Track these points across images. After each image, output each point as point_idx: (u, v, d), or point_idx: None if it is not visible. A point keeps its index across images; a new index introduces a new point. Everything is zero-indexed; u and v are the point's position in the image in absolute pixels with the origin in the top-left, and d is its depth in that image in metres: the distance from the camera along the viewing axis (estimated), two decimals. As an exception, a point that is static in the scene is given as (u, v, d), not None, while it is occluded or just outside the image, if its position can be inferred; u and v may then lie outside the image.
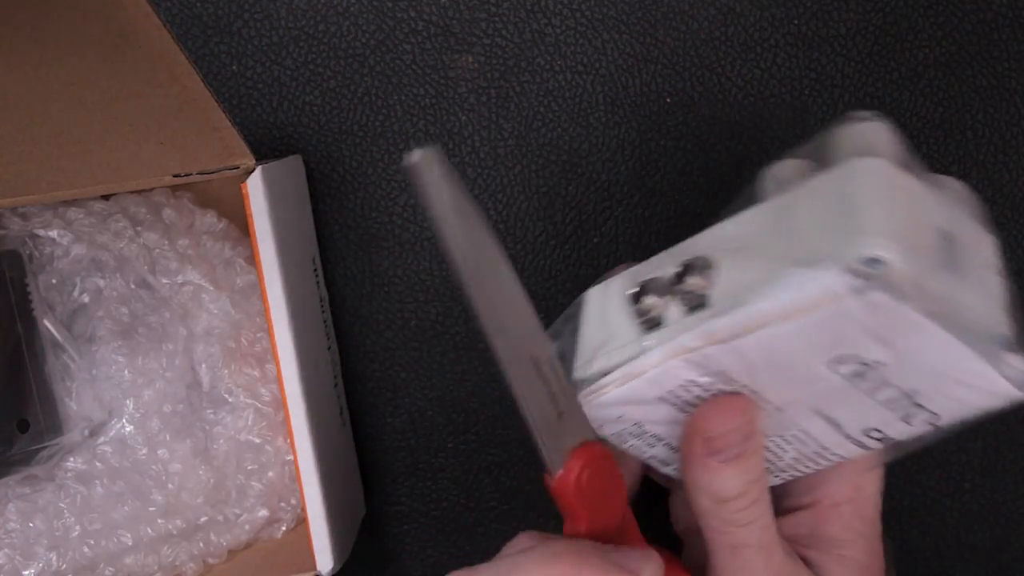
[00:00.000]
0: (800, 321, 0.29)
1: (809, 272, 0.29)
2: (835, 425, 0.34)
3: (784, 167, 0.33)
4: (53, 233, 0.47)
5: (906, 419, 0.33)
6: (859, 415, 0.33)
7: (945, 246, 0.30)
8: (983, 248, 0.32)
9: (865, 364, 0.31)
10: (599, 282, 0.36)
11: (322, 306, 0.51)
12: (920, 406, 0.32)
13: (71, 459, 0.47)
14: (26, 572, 0.46)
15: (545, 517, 0.53)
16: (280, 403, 0.49)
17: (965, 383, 0.31)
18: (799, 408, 0.34)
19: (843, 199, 0.29)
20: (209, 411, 0.49)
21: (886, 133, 0.32)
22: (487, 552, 0.35)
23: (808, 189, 0.31)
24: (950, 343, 0.29)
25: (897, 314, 0.28)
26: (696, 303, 0.32)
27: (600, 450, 0.33)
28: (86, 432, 0.47)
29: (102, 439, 0.48)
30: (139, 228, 0.48)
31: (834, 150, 0.32)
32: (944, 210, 0.31)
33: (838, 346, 0.30)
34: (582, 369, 0.34)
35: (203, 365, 0.48)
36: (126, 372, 0.47)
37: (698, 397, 0.34)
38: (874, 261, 0.28)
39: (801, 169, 0.33)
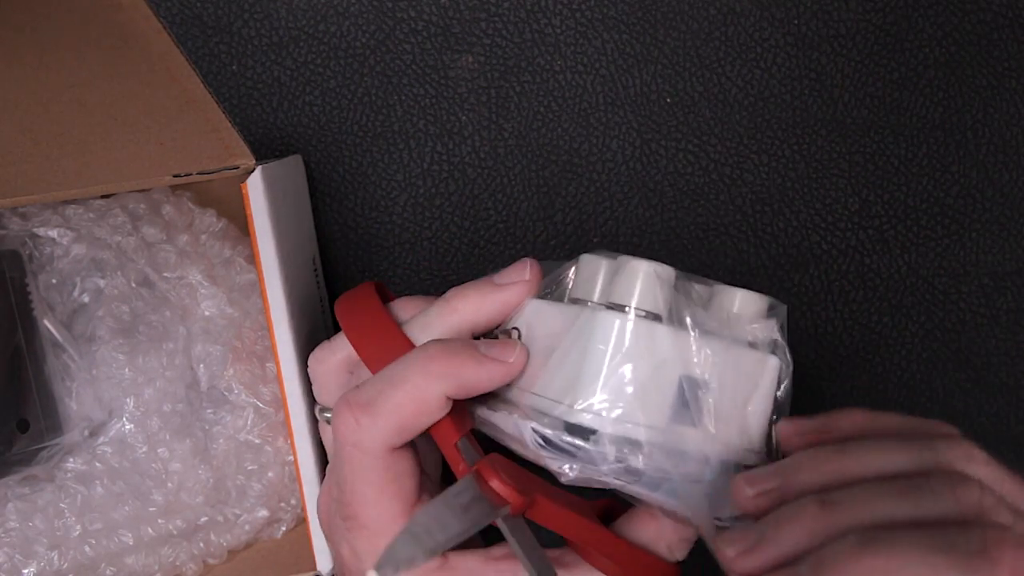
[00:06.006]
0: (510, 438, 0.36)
1: (518, 423, 0.34)
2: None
3: (590, 263, 0.36)
4: (53, 233, 0.47)
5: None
6: None
7: (689, 395, 0.34)
8: (750, 377, 0.35)
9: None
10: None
11: (322, 306, 0.51)
12: None
13: (71, 459, 0.47)
14: (26, 571, 0.47)
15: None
16: (280, 403, 0.49)
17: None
18: None
19: (585, 353, 0.33)
20: (209, 411, 0.49)
21: (660, 277, 0.35)
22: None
23: (575, 323, 0.35)
24: (652, 497, 0.34)
25: (599, 481, 0.34)
26: None
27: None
28: (86, 432, 0.47)
29: (102, 439, 0.48)
30: (138, 223, 0.48)
31: (600, 282, 0.36)
32: (700, 354, 0.34)
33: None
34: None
35: (202, 365, 0.48)
36: (126, 370, 0.47)
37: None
38: (584, 431, 0.33)
39: (602, 270, 0.36)
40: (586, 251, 0.52)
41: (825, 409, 0.56)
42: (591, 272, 0.36)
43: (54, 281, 0.47)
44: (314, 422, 0.45)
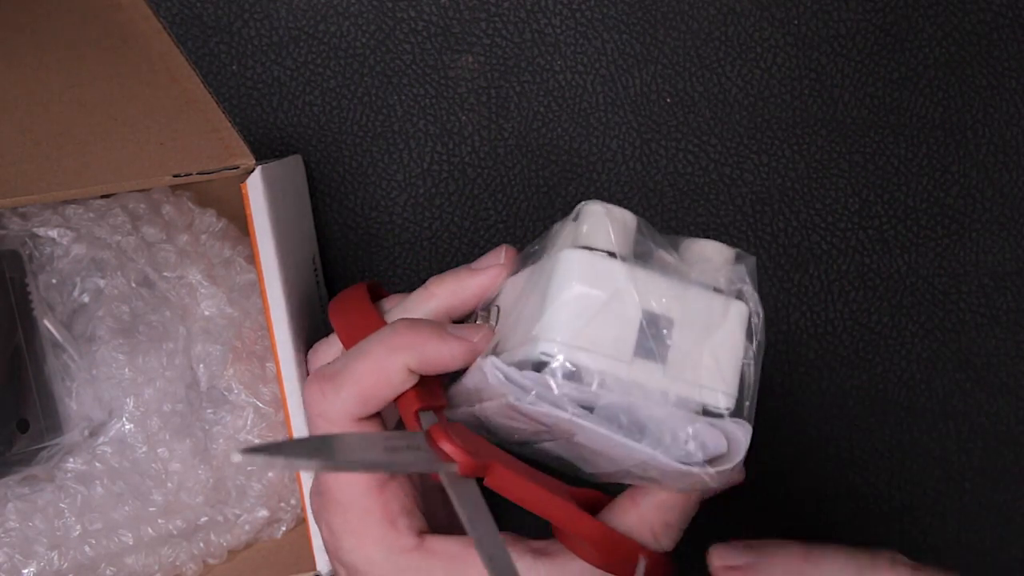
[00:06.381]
0: (485, 405, 0.36)
1: (479, 364, 0.34)
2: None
3: (555, 227, 0.37)
4: (53, 233, 0.47)
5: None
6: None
7: (649, 331, 0.34)
8: (715, 317, 0.35)
9: (561, 437, 0.35)
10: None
11: (322, 306, 0.51)
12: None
13: (71, 459, 0.47)
14: (26, 571, 0.47)
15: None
16: (280, 403, 0.49)
17: (639, 465, 0.35)
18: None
19: (543, 292, 0.34)
20: (209, 410, 0.49)
21: (618, 221, 0.35)
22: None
23: (535, 271, 0.35)
24: (614, 439, 0.33)
25: (556, 415, 0.33)
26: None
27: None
28: (86, 432, 0.47)
29: (102, 439, 0.48)
30: (138, 223, 0.48)
31: (562, 234, 0.36)
32: (661, 292, 0.34)
33: (525, 424, 0.35)
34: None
35: (202, 365, 0.48)
36: (126, 370, 0.47)
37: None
38: (532, 365, 0.33)
39: (565, 227, 0.36)
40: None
41: (826, 408, 0.56)
42: (555, 232, 0.36)
43: (54, 281, 0.47)
44: (314, 422, 0.45)
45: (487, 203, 0.52)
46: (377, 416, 0.37)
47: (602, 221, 0.34)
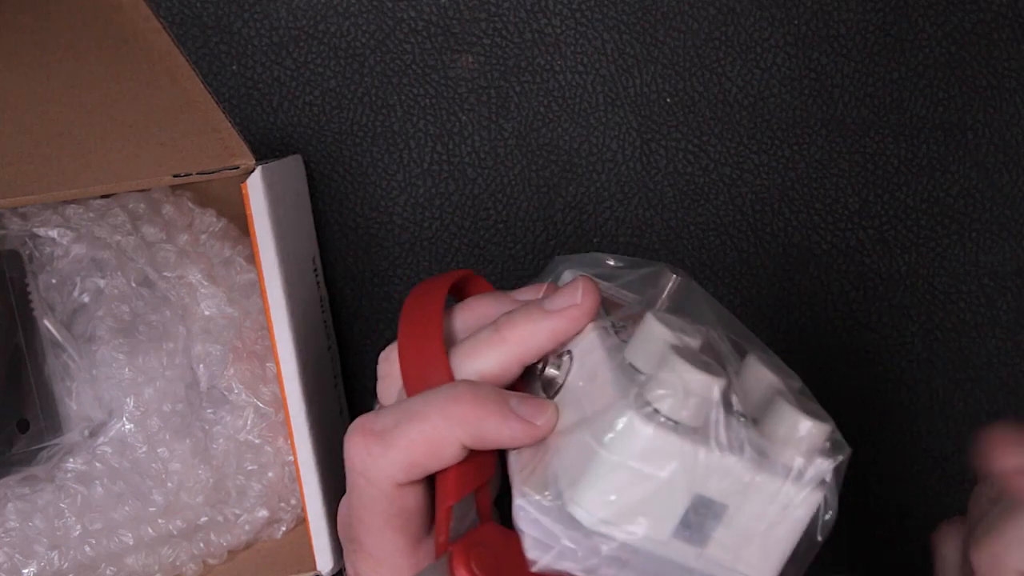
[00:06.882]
0: None
1: (516, 500, 0.32)
2: None
3: (660, 323, 0.34)
4: (53, 233, 0.47)
5: None
6: None
7: (695, 517, 0.32)
8: (777, 509, 0.33)
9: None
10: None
11: (322, 306, 0.51)
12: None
13: (71, 459, 0.47)
14: (26, 571, 0.47)
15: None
16: (280, 403, 0.49)
17: None
18: None
19: (591, 445, 0.31)
20: (209, 410, 0.49)
21: (700, 384, 0.33)
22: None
23: (604, 412, 0.33)
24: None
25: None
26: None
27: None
28: (86, 432, 0.47)
29: (102, 439, 0.48)
30: (138, 223, 0.48)
31: (653, 335, 0.34)
32: (722, 474, 0.32)
33: None
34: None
35: (202, 365, 0.48)
36: (126, 370, 0.47)
37: None
38: (568, 517, 0.31)
39: (666, 341, 0.34)
40: (585, 251, 0.52)
41: (825, 409, 0.55)
42: (656, 337, 0.34)
43: (54, 281, 0.47)
44: (314, 422, 0.45)
45: (487, 203, 0.52)
46: (419, 483, 0.35)
47: (692, 391, 0.32)
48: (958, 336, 0.54)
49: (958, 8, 0.52)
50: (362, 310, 0.53)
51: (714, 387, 0.32)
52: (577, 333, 0.35)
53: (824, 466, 0.33)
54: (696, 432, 0.31)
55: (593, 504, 0.31)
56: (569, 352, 0.35)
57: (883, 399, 0.55)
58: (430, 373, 0.35)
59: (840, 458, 0.33)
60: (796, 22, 0.52)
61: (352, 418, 0.53)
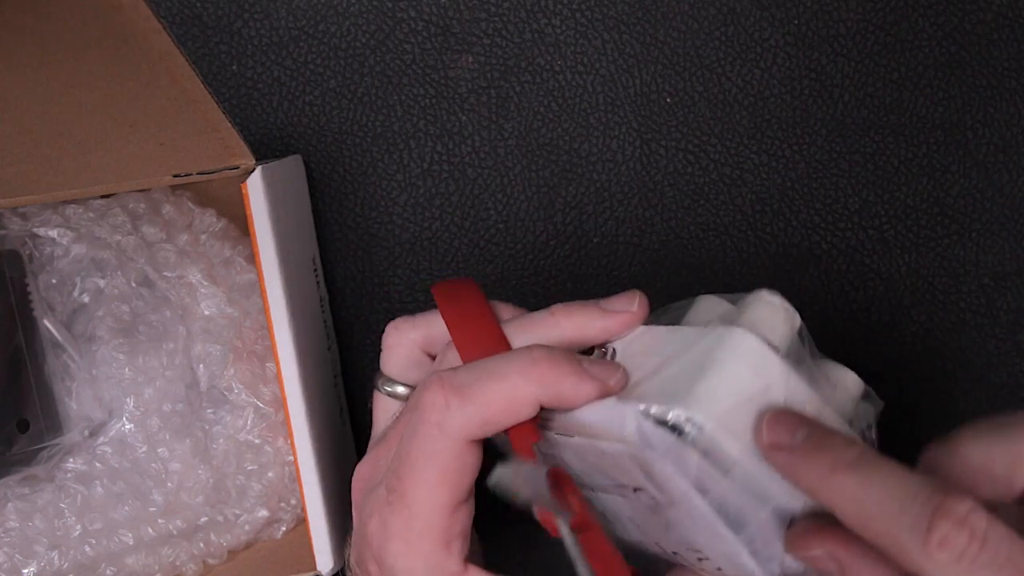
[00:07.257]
0: (596, 441, 0.34)
1: (618, 406, 0.33)
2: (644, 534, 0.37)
3: (710, 302, 0.37)
4: (53, 233, 0.47)
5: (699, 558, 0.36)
6: (656, 534, 0.36)
7: None
8: None
9: (653, 499, 0.34)
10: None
11: (322, 306, 0.51)
12: (699, 553, 0.35)
13: (71, 459, 0.47)
14: (26, 571, 0.47)
15: None
16: (280, 403, 0.49)
17: (720, 555, 0.34)
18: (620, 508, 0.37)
19: (701, 359, 0.33)
20: (209, 410, 0.49)
21: (787, 317, 0.35)
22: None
23: (682, 332, 0.35)
24: (716, 523, 0.32)
25: (681, 486, 0.32)
26: None
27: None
28: (86, 432, 0.47)
29: (102, 439, 0.48)
30: (138, 223, 0.48)
31: (736, 313, 0.35)
32: (804, 401, 0.33)
33: (625, 475, 0.34)
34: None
35: (202, 364, 0.48)
36: (126, 370, 0.47)
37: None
38: (675, 427, 0.31)
39: (720, 310, 0.36)
40: (585, 251, 0.53)
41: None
42: (710, 306, 0.36)
43: (54, 281, 0.47)
44: (314, 422, 0.45)
45: (487, 203, 0.52)
46: (480, 445, 0.36)
47: (776, 314, 0.34)
48: (958, 336, 0.54)
49: (958, 8, 0.52)
50: (362, 310, 0.53)
51: (799, 321, 0.34)
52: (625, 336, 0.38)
53: (871, 413, 0.36)
54: (783, 355, 0.33)
55: (712, 405, 0.32)
56: (613, 348, 0.37)
57: (883, 399, 0.55)
58: (488, 340, 0.37)
59: (881, 405, 0.36)
60: (796, 22, 0.52)
61: (352, 418, 0.53)
